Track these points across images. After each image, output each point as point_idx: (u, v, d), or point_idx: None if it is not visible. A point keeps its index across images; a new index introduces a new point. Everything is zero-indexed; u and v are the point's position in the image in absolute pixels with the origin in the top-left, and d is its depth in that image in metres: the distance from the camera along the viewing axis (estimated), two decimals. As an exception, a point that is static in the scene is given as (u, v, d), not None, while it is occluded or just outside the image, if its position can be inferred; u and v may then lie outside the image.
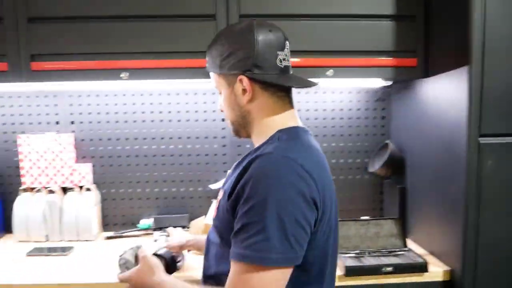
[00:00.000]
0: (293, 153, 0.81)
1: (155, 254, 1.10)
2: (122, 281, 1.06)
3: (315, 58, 1.48)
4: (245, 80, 0.88)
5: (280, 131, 0.89)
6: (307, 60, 1.48)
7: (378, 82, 1.71)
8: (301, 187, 0.77)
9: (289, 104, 0.94)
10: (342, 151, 1.87)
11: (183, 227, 1.74)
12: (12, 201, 1.77)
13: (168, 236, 1.44)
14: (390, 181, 1.81)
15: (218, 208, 0.93)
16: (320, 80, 1.53)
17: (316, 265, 0.85)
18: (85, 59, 1.44)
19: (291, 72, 0.95)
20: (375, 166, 1.78)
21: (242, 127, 0.95)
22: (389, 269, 1.35)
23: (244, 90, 0.89)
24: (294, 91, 1.73)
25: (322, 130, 1.85)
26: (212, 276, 0.94)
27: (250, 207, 0.77)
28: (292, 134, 0.89)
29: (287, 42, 0.93)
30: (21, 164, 1.74)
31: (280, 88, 0.90)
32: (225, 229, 0.87)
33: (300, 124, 0.94)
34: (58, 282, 1.29)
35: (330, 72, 1.49)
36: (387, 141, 1.78)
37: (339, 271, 1.34)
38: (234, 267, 0.79)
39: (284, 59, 0.91)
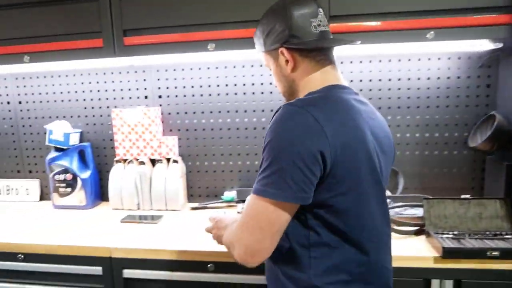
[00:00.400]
0: (310, 104, 0.87)
1: None
2: (210, 220, 1.26)
3: (413, 19, 1.34)
4: (285, 51, 0.97)
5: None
6: (405, 22, 1.34)
7: (485, 45, 1.51)
8: (305, 136, 0.83)
9: (330, 66, 0.99)
10: (438, 124, 1.70)
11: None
12: (107, 172, 1.90)
13: None
14: (493, 157, 1.62)
15: None
16: (419, 44, 1.42)
17: (351, 210, 0.89)
18: (174, 32, 1.46)
19: (330, 37, 1.01)
20: (477, 140, 1.60)
21: (291, 96, 1.02)
22: (496, 253, 1.20)
23: (287, 61, 0.98)
24: (385, 60, 1.65)
25: (416, 101, 1.70)
26: None
27: (263, 148, 0.88)
28: (322, 90, 0.95)
29: (320, 9, 0.98)
30: (115, 137, 1.83)
31: (318, 52, 0.97)
32: None
33: (341, 82, 0.99)
34: (150, 248, 1.35)
35: (430, 34, 1.34)
36: (492, 112, 1.58)
37: (435, 252, 1.25)
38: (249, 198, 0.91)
39: (319, 25, 0.97)
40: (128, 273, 1.37)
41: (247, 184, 1.85)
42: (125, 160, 1.84)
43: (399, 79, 1.69)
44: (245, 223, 0.90)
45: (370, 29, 1.37)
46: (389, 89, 1.70)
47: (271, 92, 1.77)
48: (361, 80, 1.70)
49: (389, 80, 1.69)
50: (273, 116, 0.90)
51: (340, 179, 0.86)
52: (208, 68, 1.79)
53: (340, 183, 0.86)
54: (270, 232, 0.87)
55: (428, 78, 1.68)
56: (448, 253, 1.22)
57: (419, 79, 1.68)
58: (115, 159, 1.85)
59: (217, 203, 1.80)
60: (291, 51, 0.97)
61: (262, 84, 1.77)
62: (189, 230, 1.51)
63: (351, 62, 1.69)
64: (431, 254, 1.24)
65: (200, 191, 1.90)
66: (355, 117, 0.91)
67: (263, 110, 1.79)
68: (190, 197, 1.90)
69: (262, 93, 1.77)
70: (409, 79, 1.68)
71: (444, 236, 1.33)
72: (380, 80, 1.70)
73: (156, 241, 1.41)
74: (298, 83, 0.99)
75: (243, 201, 1.75)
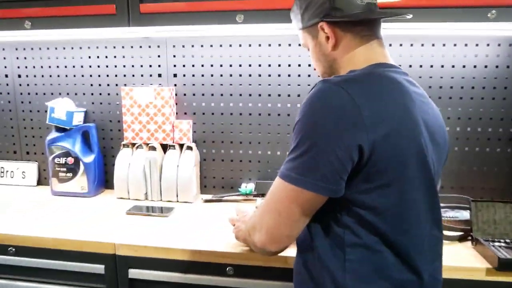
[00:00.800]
0: (348, 81, 0.76)
1: None
2: (237, 212, 1.28)
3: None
4: (326, 26, 0.87)
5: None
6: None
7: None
8: (338, 123, 0.72)
9: (376, 42, 0.87)
10: (481, 117, 1.53)
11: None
12: (113, 156, 1.74)
13: None
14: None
15: None
16: (467, 26, 1.25)
17: (392, 209, 0.77)
18: (197, 0, 1.28)
19: (378, 10, 0.90)
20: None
21: None
22: (560, 266, 1.05)
23: (327, 38, 0.88)
24: (428, 44, 1.52)
25: (459, 91, 1.52)
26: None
27: (293, 128, 0.79)
28: (366, 68, 0.83)
29: None
30: (123, 118, 1.66)
31: (364, 27, 0.86)
32: None
33: (389, 61, 0.87)
34: (160, 245, 1.19)
35: (492, 14, 1.17)
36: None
37: (487, 263, 1.09)
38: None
39: None
40: (134, 273, 1.20)
41: (267, 176, 1.68)
42: (133, 145, 1.68)
43: (442, 66, 1.51)
44: (266, 205, 0.84)
45: (424, 5, 1.20)
46: (430, 77, 1.53)
47: (299, 75, 1.59)
48: (400, 65, 1.52)
49: (431, 66, 1.52)
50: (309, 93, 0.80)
51: (380, 169, 0.74)
52: (230, 46, 1.61)
53: (380, 174, 0.75)
54: (289, 220, 0.80)
55: (475, 66, 1.50)
56: (504, 265, 1.06)
57: (464, 67, 1.51)
58: (123, 143, 1.68)
59: (233, 196, 1.64)
60: (332, 25, 0.86)
61: (289, 65, 1.59)
62: (204, 226, 1.34)
63: (390, 45, 1.51)
64: (482, 265, 1.09)
65: (215, 181, 1.73)
66: (405, 98, 0.79)
67: (289, 95, 1.61)
68: (203, 188, 1.74)
69: (289, 75, 1.60)
70: (453, 66, 1.51)
71: (496, 244, 1.17)
72: (421, 66, 1.52)
73: (167, 237, 1.24)
74: (340, 62, 0.89)
75: (263, 195, 1.59)
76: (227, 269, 1.15)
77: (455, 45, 1.50)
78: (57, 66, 1.75)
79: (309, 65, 1.57)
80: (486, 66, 1.50)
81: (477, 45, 1.49)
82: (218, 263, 1.15)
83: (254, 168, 1.69)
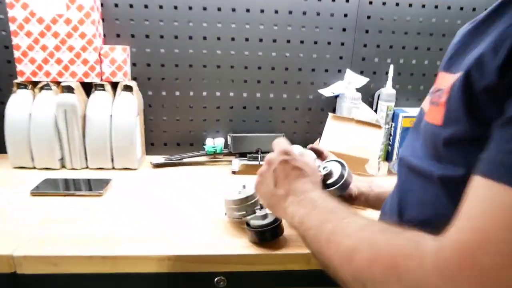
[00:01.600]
0: None
1: None
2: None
3: None
4: None
5: None
6: None
7: None
8: None
9: None
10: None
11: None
12: (1, 103, 1.13)
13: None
14: None
15: (448, 100, 0.47)
16: None
17: None
18: None
19: None
20: None
21: None
22: None
23: None
24: None
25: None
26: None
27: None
28: None
29: None
30: (14, 41, 1.04)
31: None
32: (457, 139, 0.46)
33: None
34: (97, 253, 0.69)
35: None
36: None
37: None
38: (486, 189, 0.38)
39: None
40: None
41: (242, 127, 1.21)
42: (34, 84, 1.08)
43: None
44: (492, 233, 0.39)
45: None
46: None
47: (292, -19, 1.11)
48: None
49: None
50: None
51: None
52: None
53: None
54: None
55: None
56: None
57: None
58: (16, 81, 1.07)
59: (195, 157, 1.16)
60: None
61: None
62: (164, 209, 0.87)
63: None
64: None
65: (167, 137, 1.22)
66: None
67: (276, 11, 1.12)
68: (150, 146, 1.22)
69: (278, -19, 1.10)
70: None
71: None
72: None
73: (108, 234, 0.75)
74: None
75: (241, 155, 1.13)
76: (216, 280, 0.72)
77: None
78: None
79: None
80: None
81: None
82: (202, 272, 0.72)
83: (224, 117, 1.21)
